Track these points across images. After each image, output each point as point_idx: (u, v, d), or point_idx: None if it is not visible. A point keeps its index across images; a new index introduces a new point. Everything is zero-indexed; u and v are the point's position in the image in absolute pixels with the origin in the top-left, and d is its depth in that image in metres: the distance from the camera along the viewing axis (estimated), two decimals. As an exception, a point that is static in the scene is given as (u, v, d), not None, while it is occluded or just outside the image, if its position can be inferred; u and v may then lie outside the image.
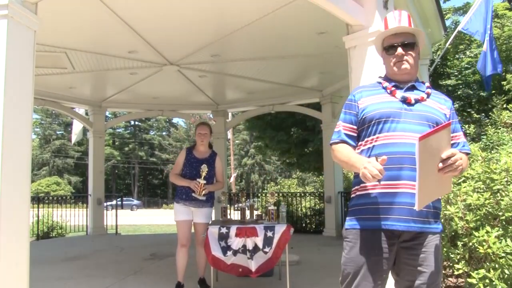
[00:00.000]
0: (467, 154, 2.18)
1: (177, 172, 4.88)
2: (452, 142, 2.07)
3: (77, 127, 11.58)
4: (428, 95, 2.19)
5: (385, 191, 2.03)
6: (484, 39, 6.96)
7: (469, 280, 3.25)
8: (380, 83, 2.25)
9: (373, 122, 2.12)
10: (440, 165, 1.89)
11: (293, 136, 13.19)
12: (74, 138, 12.53)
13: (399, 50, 2.17)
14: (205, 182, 4.67)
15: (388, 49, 2.22)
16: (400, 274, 2.11)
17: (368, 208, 2.07)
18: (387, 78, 2.26)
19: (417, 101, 2.14)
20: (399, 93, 2.16)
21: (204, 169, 4.69)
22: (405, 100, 2.13)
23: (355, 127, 2.20)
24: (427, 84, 2.28)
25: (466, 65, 11.70)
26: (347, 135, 2.19)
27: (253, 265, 4.53)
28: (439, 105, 2.19)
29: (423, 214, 2.01)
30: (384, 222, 2.02)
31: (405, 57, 2.17)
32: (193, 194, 4.66)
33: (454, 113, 2.24)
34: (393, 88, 2.18)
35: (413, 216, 1.99)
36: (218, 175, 4.95)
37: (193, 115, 4.68)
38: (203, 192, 4.65)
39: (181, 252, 4.78)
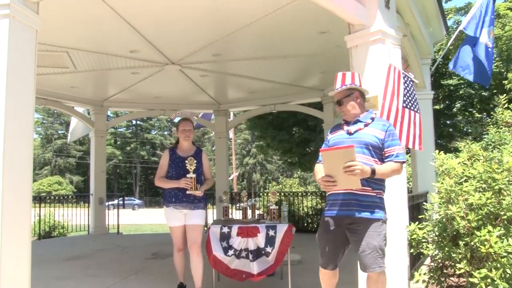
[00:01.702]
0: (402, 162, 3.13)
1: (162, 175, 4.60)
2: (387, 154, 3.13)
3: (73, 126, 11.58)
4: (367, 124, 3.21)
5: (334, 192, 3.18)
6: (480, 34, 6.74)
7: (471, 279, 3.25)
8: (341, 123, 3.37)
9: None
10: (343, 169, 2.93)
11: (294, 135, 13.19)
12: (70, 137, 12.54)
13: (337, 106, 3.38)
14: (195, 175, 4.39)
15: (336, 103, 3.38)
16: (353, 247, 3.17)
17: (328, 203, 3.26)
18: (344, 119, 3.37)
19: (356, 131, 3.20)
20: (346, 128, 3.28)
21: (191, 161, 4.39)
22: (348, 132, 3.23)
23: None
24: (372, 115, 3.29)
25: (468, 65, 11.66)
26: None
27: (255, 269, 4.52)
28: (377, 132, 3.16)
29: (353, 204, 3.09)
30: (334, 212, 3.19)
31: (343, 110, 3.31)
32: (188, 192, 4.39)
33: (391, 133, 3.17)
34: (345, 125, 3.31)
35: (346, 206, 3.11)
36: (206, 172, 4.69)
37: (176, 111, 4.45)
38: (199, 187, 4.41)
39: (178, 256, 4.64)
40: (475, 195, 3.41)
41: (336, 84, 3.32)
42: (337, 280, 3.37)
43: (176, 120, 4.82)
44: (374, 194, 3.10)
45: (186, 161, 4.40)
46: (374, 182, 3.09)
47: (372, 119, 3.24)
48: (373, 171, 2.98)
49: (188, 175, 4.38)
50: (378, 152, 3.13)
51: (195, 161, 4.41)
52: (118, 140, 59.34)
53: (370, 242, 3.03)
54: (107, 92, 10.23)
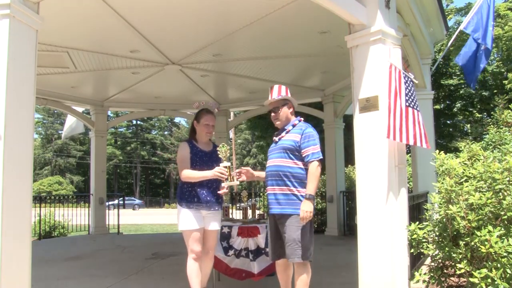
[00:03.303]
0: (316, 160, 3.58)
1: (188, 167, 3.95)
2: (303, 156, 3.59)
3: (68, 124, 11.55)
4: (288, 131, 3.70)
5: (268, 193, 3.71)
6: (486, 41, 6.82)
7: (471, 279, 3.25)
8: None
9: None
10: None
11: (295, 135, 13.16)
12: (64, 134, 12.54)
13: (272, 114, 3.85)
14: (229, 164, 3.84)
15: (270, 111, 3.88)
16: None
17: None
18: (276, 127, 3.85)
19: (280, 139, 3.73)
20: (274, 138, 3.82)
21: (225, 148, 3.84)
22: (275, 141, 3.80)
23: None
24: (295, 122, 3.75)
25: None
26: None
27: (255, 268, 4.52)
28: (294, 136, 3.64)
29: (274, 203, 3.62)
30: (270, 210, 3.70)
31: (277, 117, 3.80)
32: (223, 184, 3.80)
33: (306, 136, 3.60)
34: (274, 136, 3.83)
35: (274, 205, 3.62)
36: None
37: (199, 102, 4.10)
38: (236, 178, 3.82)
39: (194, 265, 3.94)
40: (475, 195, 3.40)
41: (273, 94, 3.80)
42: (291, 272, 3.78)
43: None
44: (291, 193, 3.55)
45: (218, 149, 3.87)
46: (293, 181, 3.56)
47: (294, 125, 3.73)
48: (309, 197, 3.46)
49: (221, 164, 3.80)
50: (297, 153, 3.60)
51: (228, 148, 3.87)
52: (118, 140, 59.34)
53: (290, 235, 3.50)
54: (108, 92, 10.24)
